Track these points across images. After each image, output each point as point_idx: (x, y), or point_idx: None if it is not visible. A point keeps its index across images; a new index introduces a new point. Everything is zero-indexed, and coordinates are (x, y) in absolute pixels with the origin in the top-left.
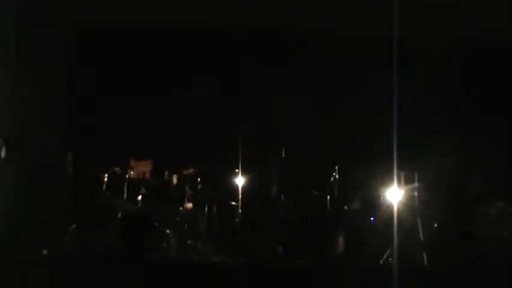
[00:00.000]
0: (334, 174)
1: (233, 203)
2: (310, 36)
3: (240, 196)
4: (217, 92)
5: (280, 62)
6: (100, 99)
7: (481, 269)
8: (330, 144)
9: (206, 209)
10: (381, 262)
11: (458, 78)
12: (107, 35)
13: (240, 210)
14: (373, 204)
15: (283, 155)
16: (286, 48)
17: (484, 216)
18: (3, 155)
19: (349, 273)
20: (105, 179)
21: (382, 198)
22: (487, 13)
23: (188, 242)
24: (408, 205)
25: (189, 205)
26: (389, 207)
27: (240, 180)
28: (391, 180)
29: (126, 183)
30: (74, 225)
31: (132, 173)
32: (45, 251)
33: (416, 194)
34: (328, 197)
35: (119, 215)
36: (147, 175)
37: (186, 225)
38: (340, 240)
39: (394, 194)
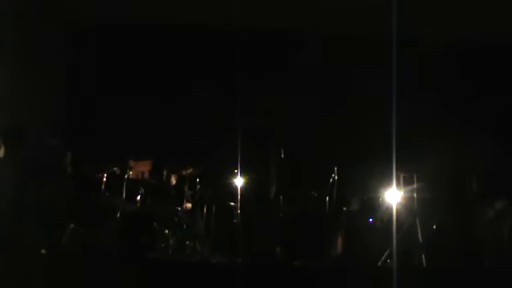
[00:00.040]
0: (333, 175)
1: (232, 203)
2: (309, 35)
3: (238, 196)
4: (216, 92)
5: (279, 62)
6: (99, 99)
7: (479, 269)
8: (329, 145)
9: (205, 209)
10: (379, 263)
11: (457, 79)
12: (107, 35)
13: (239, 211)
14: (372, 205)
15: (282, 156)
16: (285, 47)
17: (483, 217)
18: (1, 153)
19: (348, 274)
20: (104, 179)
21: (381, 199)
22: (485, 11)
23: (187, 242)
24: (407, 206)
25: (188, 205)
26: (388, 209)
27: (238, 181)
28: (390, 181)
29: (125, 183)
30: (72, 225)
31: (131, 172)
32: (43, 250)
33: (415, 195)
34: (327, 197)
35: (118, 215)
36: (146, 175)
37: (184, 226)
38: (339, 241)
39: (393, 195)
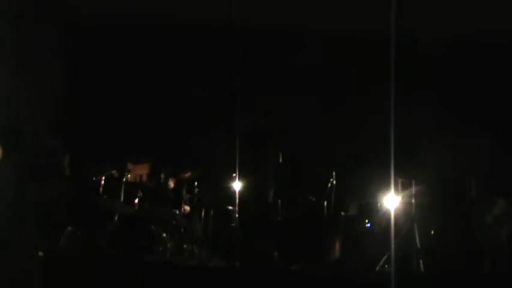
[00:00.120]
0: (331, 179)
1: (230, 207)
2: (309, 35)
3: (236, 200)
4: (215, 93)
5: (278, 65)
6: (98, 102)
7: (478, 274)
8: (328, 149)
9: (203, 213)
10: (377, 268)
11: (456, 81)
12: (107, 35)
13: (237, 215)
14: (370, 210)
15: (281, 160)
16: (285, 48)
17: (481, 221)
18: (0, 154)
19: (346, 279)
20: (103, 182)
21: (379, 204)
22: (484, 11)
23: (184, 245)
24: (405, 211)
25: (186, 209)
26: (386, 213)
27: (236, 185)
28: (388, 186)
29: (123, 186)
30: (70, 227)
31: (129, 176)
32: (41, 252)
33: (413, 200)
34: (325, 202)
35: (116, 218)
36: (144, 178)
37: (182, 229)
38: (337, 246)
39: (391, 200)
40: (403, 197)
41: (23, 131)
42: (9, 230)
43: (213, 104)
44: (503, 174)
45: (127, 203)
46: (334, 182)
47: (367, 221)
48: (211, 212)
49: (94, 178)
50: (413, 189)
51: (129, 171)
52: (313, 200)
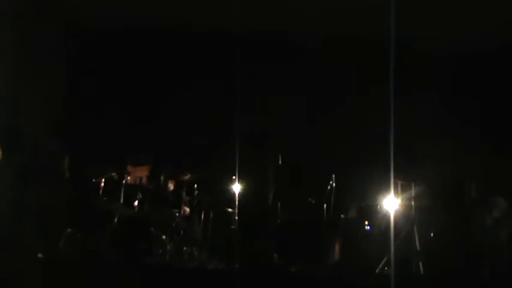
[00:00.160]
0: (331, 182)
1: (229, 209)
2: (309, 36)
3: (236, 202)
4: (214, 95)
5: (277, 68)
6: (98, 103)
7: (477, 277)
8: (327, 152)
9: (202, 215)
10: (377, 271)
11: (456, 82)
12: (107, 37)
13: (236, 217)
14: (370, 212)
15: (280, 162)
16: (284, 53)
17: (481, 224)
18: (0, 156)
19: (345, 281)
20: (102, 184)
21: (378, 206)
22: (484, 12)
23: (184, 247)
24: (404, 214)
25: (186, 211)
26: (386, 216)
27: (236, 187)
28: (387, 188)
29: (122, 188)
30: (70, 229)
31: (129, 178)
32: (40, 254)
33: (412, 202)
34: (325, 204)
35: (115, 220)
36: (144, 180)
37: (182, 231)
38: (337, 248)
39: (391, 203)
40: (402, 199)
41: (23, 132)
42: (9, 232)
43: (213, 105)
44: (502, 175)
45: (127, 205)
46: (334, 184)
47: (366, 223)
48: (211, 214)
49: (94, 180)
50: (413, 192)
51: (128, 173)
52: (313, 202)
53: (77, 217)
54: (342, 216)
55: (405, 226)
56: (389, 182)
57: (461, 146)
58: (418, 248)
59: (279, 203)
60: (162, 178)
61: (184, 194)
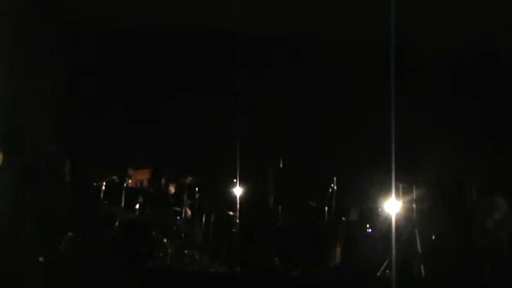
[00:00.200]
0: (332, 185)
1: (230, 212)
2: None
3: (237, 206)
4: (214, 99)
5: (277, 72)
6: (98, 105)
7: (479, 279)
8: (328, 154)
9: (203, 218)
10: (378, 273)
11: (456, 84)
12: (106, 39)
13: (237, 220)
14: (371, 215)
15: (281, 165)
16: (284, 53)
17: (482, 226)
18: (0, 160)
19: (347, 284)
20: (103, 187)
21: (380, 209)
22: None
23: (185, 251)
24: (406, 216)
25: (187, 214)
26: (387, 219)
27: (237, 190)
28: (389, 191)
29: (124, 191)
30: (71, 232)
31: (130, 181)
32: (41, 258)
33: (414, 205)
34: (326, 207)
35: (116, 223)
36: (145, 183)
37: (183, 234)
38: (338, 251)
39: (392, 205)
40: (404, 202)
41: (23, 135)
42: (10, 235)
43: (213, 107)
44: (503, 176)
45: (128, 208)
46: (335, 187)
47: (368, 226)
48: (212, 217)
49: (95, 183)
50: (414, 194)
51: (129, 177)
52: (314, 205)
53: (77, 220)
54: (343, 219)
55: (406, 229)
56: (391, 184)
57: (462, 146)
58: (419, 250)
59: (280, 206)
60: (163, 181)
61: (185, 197)
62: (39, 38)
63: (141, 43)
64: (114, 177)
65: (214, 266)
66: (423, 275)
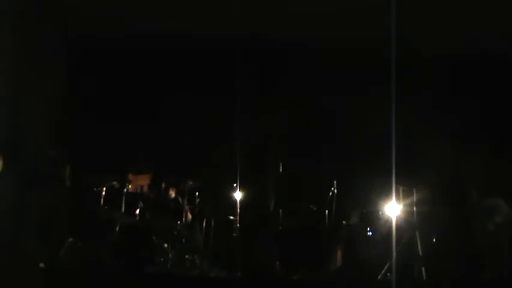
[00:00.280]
0: (332, 188)
1: (231, 217)
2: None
3: (237, 210)
4: (215, 100)
5: (277, 72)
6: (98, 108)
7: (479, 281)
8: (329, 158)
9: (204, 223)
10: (379, 276)
11: (456, 86)
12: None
13: (238, 225)
14: (372, 218)
15: (281, 170)
16: (284, 56)
17: (482, 227)
18: (1, 165)
19: (348, 287)
20: (104, 192)
21: (380, 212)
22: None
23: (186, 256)
24: (406, 219)
25: (187, 219)
26: (388, 222)
27: (237, 194)
28: (389, 194)
29: (124, 196)
30: (71, 238)
31: (130, 186)
32: (41, 264)
33: (414, 208)
34: (327, 211)
35: (117, 228)
36: (145, 188)
37: (183, 239)
38: (339, 255)
39: (393, 208)
40: (404, 205)
41: (24, 140)
42: (10, 241)
43: (213, 108)
44: (503, 176)
45: (128, 213)
46: (335, 191)
47: (368, 229)
48: (213, 222)
49: (95, 188)
50: (414, 197)
51: (130, 182)
52: (314, 209)
53: (78, 226)
54: (344, 222)
55: (407, 231)
56: (391, 187)
57: (462, 147)
58: (420, 253)
59: (280, 210)
60: (163, 186)
61: (185, 202)
62: (39, 38)
63: (141, 44)
64: (114, 182)
65: (215, 270)
66: (424, 278)
